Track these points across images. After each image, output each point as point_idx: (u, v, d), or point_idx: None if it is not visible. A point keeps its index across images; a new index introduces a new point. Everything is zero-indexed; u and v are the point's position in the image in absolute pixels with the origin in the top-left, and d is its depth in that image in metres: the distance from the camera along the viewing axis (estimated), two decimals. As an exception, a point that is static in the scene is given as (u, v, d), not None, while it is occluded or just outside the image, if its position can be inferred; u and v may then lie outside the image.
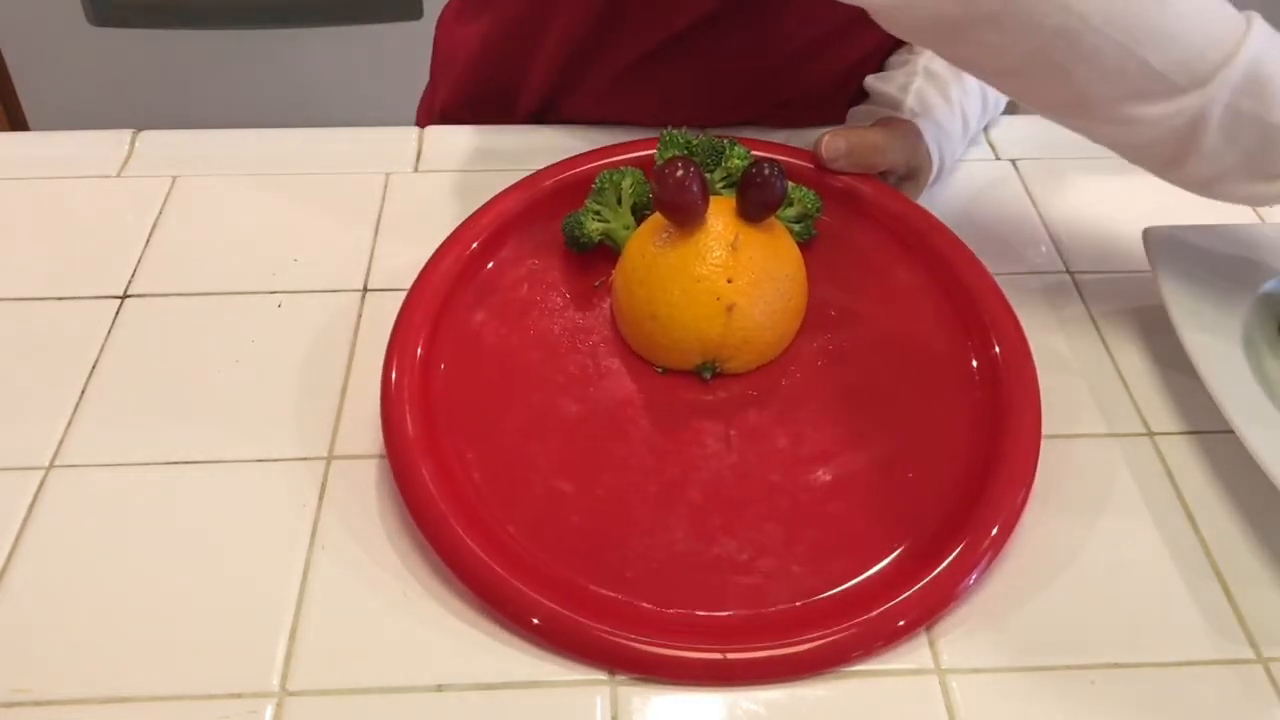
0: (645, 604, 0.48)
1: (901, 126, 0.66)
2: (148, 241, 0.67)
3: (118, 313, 0.62)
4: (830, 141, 0.65)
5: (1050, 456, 0.53)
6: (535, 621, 0.47)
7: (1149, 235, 0.61)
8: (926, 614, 0.48)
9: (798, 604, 0.48)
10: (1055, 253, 0.68)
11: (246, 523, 0.52)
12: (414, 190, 0.71)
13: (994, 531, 0.49)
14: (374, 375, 0.58)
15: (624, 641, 0.46)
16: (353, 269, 0.65)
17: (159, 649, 0.47)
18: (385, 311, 0.62)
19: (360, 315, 0.62)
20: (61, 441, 0.55)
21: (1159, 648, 0.48)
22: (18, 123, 1.66)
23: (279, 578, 0.50)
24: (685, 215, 0.56)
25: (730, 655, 0.46)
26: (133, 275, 0.65)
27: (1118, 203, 0.72)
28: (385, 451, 0.52)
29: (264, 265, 0.65)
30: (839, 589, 0.49)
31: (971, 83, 0.70)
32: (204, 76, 1.61)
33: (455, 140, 0.75)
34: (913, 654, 0.47)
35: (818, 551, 0.50)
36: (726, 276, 0.55)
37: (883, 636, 0.47)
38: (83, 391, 0.58)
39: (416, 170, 0.73)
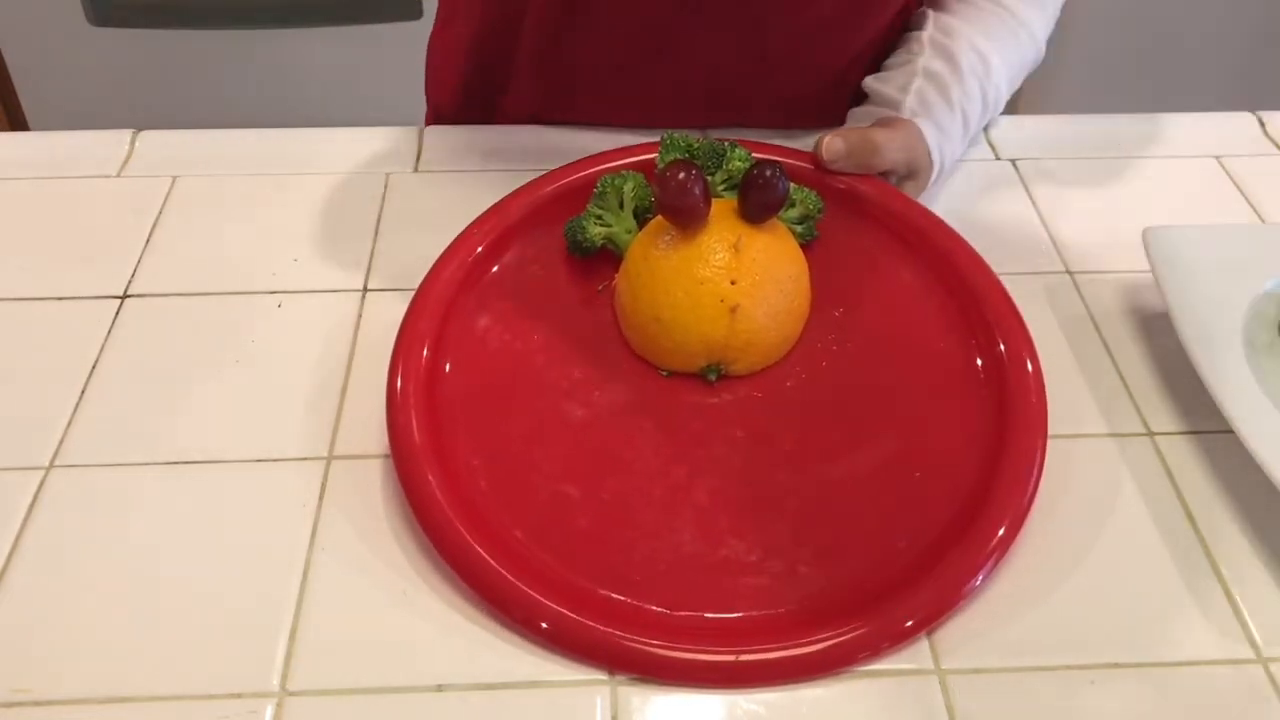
0: (653, 607, 0.48)
1: (901, 127, 0.66)
2: (148, 241, 0.67)
3: (118, 313, 0.62)
4: (830, 142, 0.65)
5: (1051, 456, 0.53)
6: (544, 626, 0.47)
7: (1149, 235, 0.61)
8: (934, 614, 0.48)
9: (806, 605, 0.48)
10: (1055, 253, 0.68)
11: (246, 523, 0.52)
12: (414, 190, 0.71)
13: (1000, 533, 0.49)
14: (374, 375, 0.58)
15: (632, 645, 0.46)
16: (353, 269, 0.65)
17: (159, 649, 0.47)
18: (385, 311, 0.62)
19: (360, 315, 0.62)
20: (61, 441, 0.55)
21: (1159, 648, 0.48)
22: (18, 123, 1.66)
23: (279, 578, 0.50)
24: (687, 218, 0.56)
25: (743, 657, 0.46)
26: (133, 275, 0.65)
27: (1118, 203, 0.72)
28: (391, 455, 0.52)
29: (264, 265, 0.65)
30: (847, 590, 0.49)
31: (972, 84, 0.70)
32: (204, 76, 1.61)
33: (455, 140, 0.75)
34: (913, 654, 0.47)
35: (825, 552, 0.50)
36: (730, 278, 0.55)
37: (890, 637, 0.47)
38: (83, 391, 0.58)
39: (416, 170, 0.73)
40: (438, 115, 0.85)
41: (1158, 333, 0.62)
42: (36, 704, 0.45)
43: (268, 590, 0.49)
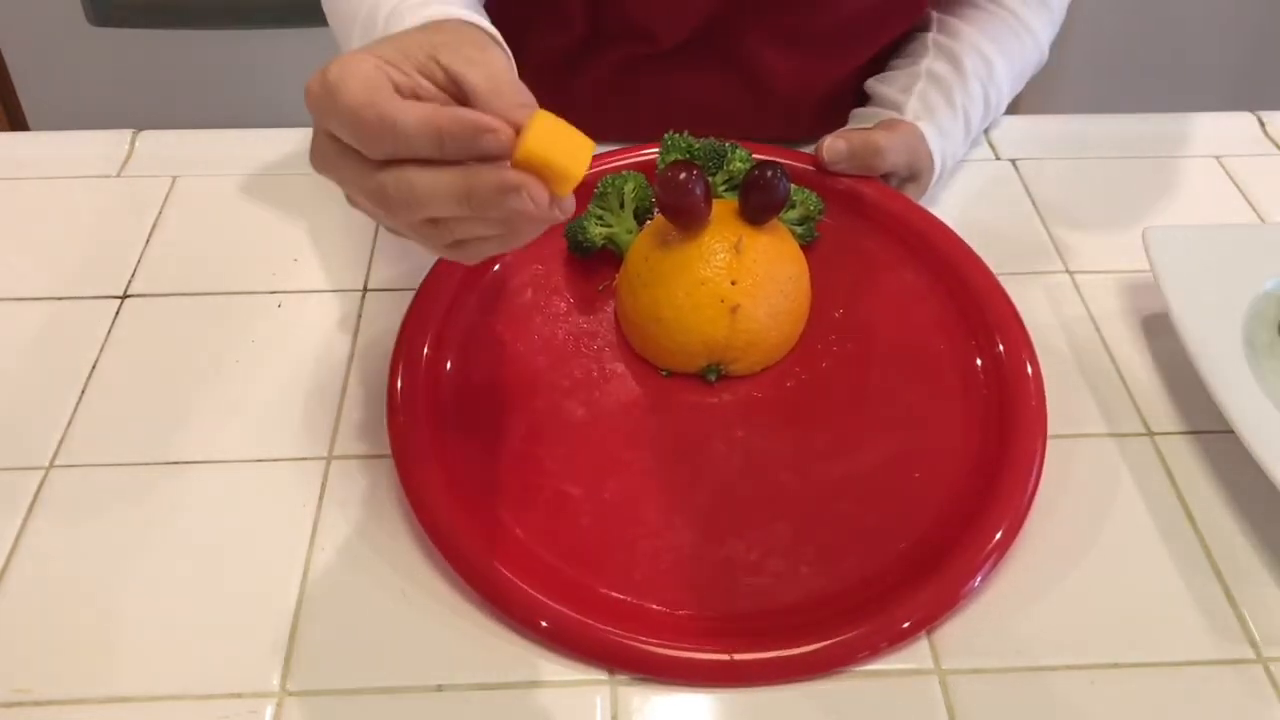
0: (654, 606, 0.48)
1: (903, 128, 0.66)
2: (148, 241, 0.67)
3: (118, 313, 0.62)
4: (832, 144, 0.65)
5: (1051, 456, 0.53)
6: (543, 624, 0.47)
7: (1149, 235, 0.61)
8: (934, 615, 0.48)
9: (806, 605, 0.48)
10: (1055, 253, 0.68)
11: (246, 523, 0.52)
12: (414, 190, 0.71)
13: (999, 534, 0.50)
14: (374, 376, 0.58)
15: (633, 644, 0.46)
16: (353, 269, 0.65)
17: (159, 649, 0.47)
18: (385, 311, 0.62)
19: (360, 315, 0.62)
20: (61, 441, 0.55)
21: (1159, 648, 0.48)
22: (18, 123, 1.66)
23: (279, 578, 0.50)
24: (688, 218, 0.55)
25: (743, 657, 0.46)
26: (133, 275, 0.65)
27: (1118, 203, 0.72)
28: (391, 455, 0.52)
29: (264, 265, 0.65)
30: (847, 589, 0.49)
31: (975, 86, 0.70)
32: (204, 76, 1.60)
33: (455, 140, 0.75)
34: (913, 654, 0.47)
35: (825, 552, 0.50)
36: (730, 279, 0.55)
37: (889, 638, 0.47)
38: (83, 391, 0.58)
39: (416, 170, 0.73)
40: None
41: (1158, 333, 0.62)
42: (36, 704, 0.45)
43: (268, 590, 0.49)
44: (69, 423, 0.56)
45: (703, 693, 0.46)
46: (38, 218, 0.69)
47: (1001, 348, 0.57)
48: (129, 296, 0.63)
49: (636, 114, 0.71)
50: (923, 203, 0.67)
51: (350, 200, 0.45)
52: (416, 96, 0.42)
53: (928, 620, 0.48)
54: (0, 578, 0.49)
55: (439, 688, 0.46)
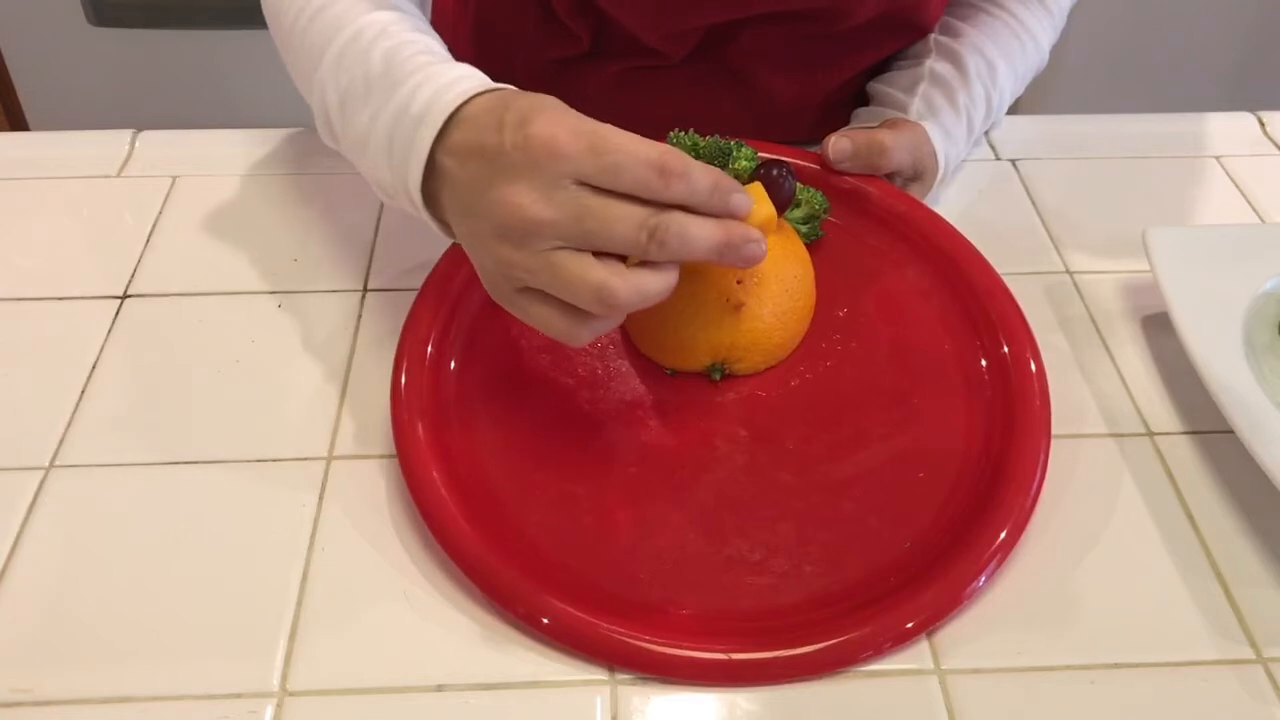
0: (657, 605, 0.48)
1: (908, 128, 0.66)
2: (148, 241, 0.67)
3: (118, 313, 0.62)
4: (836, 142, 0.65)
5: (1052, 456, 0.53)
6: (545, 621, 0.47)
7: (1149, 235, 0.61)
8: (937, 616, 0.48)
9: (809, 604, 0.48)
10: (1055, 253, 0.68)
11: (246, 523, 0.52)
12: (414, 190, 0.71)
13: (1003, 536, 0.49)
14: (374, 375, 0.58)
15: (636, 643, 0.46)
16: (353, 269, 0.65)
17: (159, 649, 0.47)
18: (385, 311, 0.62)
19: (360, 315, 0.62)
20: (61, 441, 0.55)
21: (1159, 648, 0.48)
22: (18, 123, 1.66)
23: (279, 578, 0.50)
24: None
25: (745, 656, 0.46)
26: (133, 275, 0.65)
27: (1118, 203, 0.72)
28: (394, 453, 0.52)
29: (264, 265, 0.65)
30: (850, 589, 0.49)
31: (977, 88, 0.70)
32: (204, 76, 1.61)
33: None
34: (913, 654, 0.47)
35: (829, 551, 0.50)
36: (735, 277, 0.55)
37: (892, 638, 0.47)
38: (83, 391, 0.58)
39: (416, 170, 0.73)
40: None
41: (1158, 333, 0.62)
42: (36, 704, 0.45)
43: (267, 590, 0.49)
44: (69, 423, 0.56)
45: (704, 692, 0.46)
46: (38, 218, 0.69)
47: (1006, 348, 0.57)
48: (129, 296, 0.63)
49: (638, 118, 0.71)
50: (924, 201, 0.67)
51: (507, 286, 0.48)
52: None
53: (931, 620, 0.47)
54: (0, 578, 0.49)
55: (439, 688, 0.46)
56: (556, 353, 0.58)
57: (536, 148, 0.44)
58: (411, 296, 0.58)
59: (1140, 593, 0.50)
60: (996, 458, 0.53)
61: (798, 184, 0.59)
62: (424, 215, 0.51)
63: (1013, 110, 0.76)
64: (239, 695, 0.45)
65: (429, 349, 0.56)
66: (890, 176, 0.67)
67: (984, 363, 0.58)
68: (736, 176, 0.61)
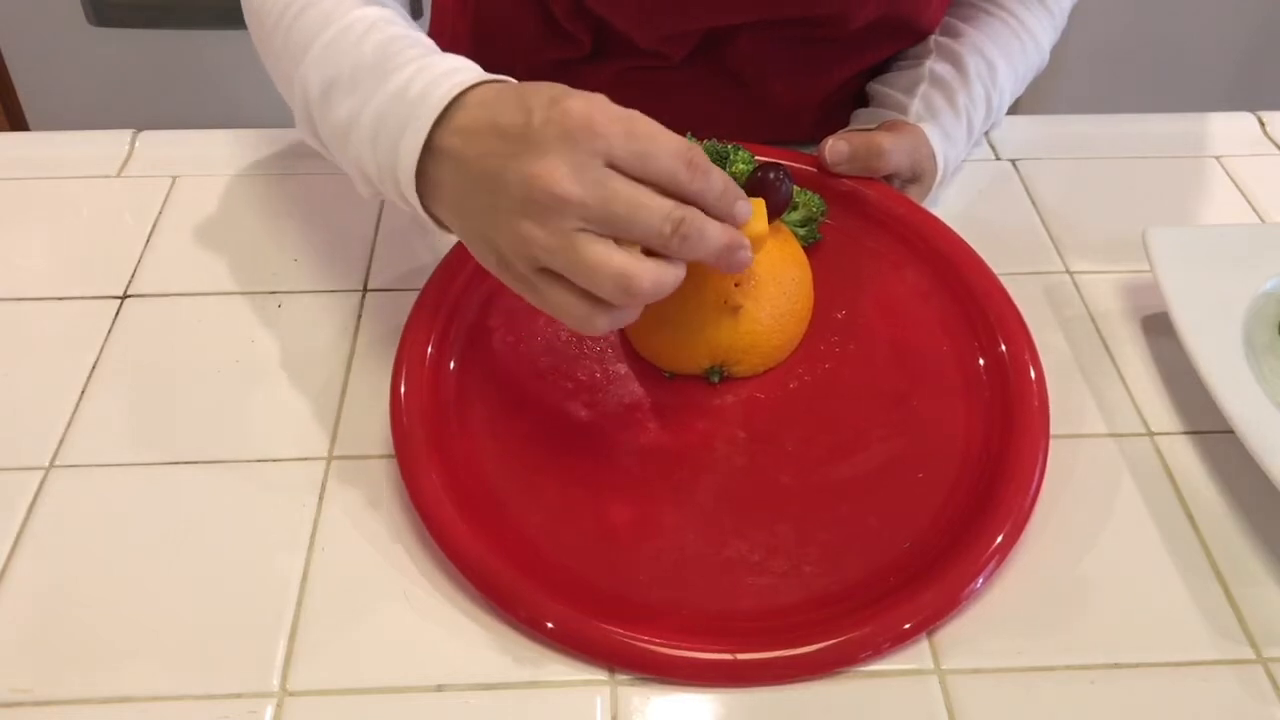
0: (657, 606, 0.48)
1: (906, 130, 0.66)
2: (148, 241, 0.67)
3: (118, 313, 0.62)
4: (834, 145, 0.65)
5: (1051, 456, 0.53)
6: (550, 626, 0.47)
7: (1149, 235, 0.61)
8: (936, 616, 0.48)
9: (808, 605, 0.48)
10: (1055, 253, 0.68)
11: (246, 523, 0.52)
12: (414, 190, 0.71)
13: (1002, 536, 0.49)
14: (374, 375, 0.58)
15: (636, 644, 0.46)
16: (353, 269, 0.65)
17: (159, 649, 0.47)
18: (385, 311, 0.62)
19: (360, 315, 0.62)
20: (61, 441, 0.55)
21: (1159, 648, 0.48)
22: (18, 123, 1.66)
23: (279, 578, 0.50)
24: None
25: (745, 656, 0.46)
26: (133, 275, 0.65)
27: (1118, 203, 0.72)
28: (393, 455, 0.52)
29: (264, 265, 0.65)
30: (849, 590, 0.49)
31: (978, 89, 0.70)
32: (204, 76, 1.61)
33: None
34: (913, 654, 0.47)
35: (828, 552, 0.50)
36: (732, 280, 0.55)
37: (891, 638, 0.47)
38: (83, 391, 0.58)
39: (416, 170, 0.73)
40: None
41: (1158, 333, 0.62)
42: (36, 704, 0.45)
43: (268, 590, 0.49)
44: (69, 423, 0.56)
45: (703, 692, 0.46)
46: (38, 218, 0.69)
47: (1004, 348, 0.57)
48: (129, 296, 0.63)
49: None
50: (923, 203, 0.67)
51: (511, 257, 0.47)
52: None
53: (930, 621, 0.48)
54: (0, 578, 0.49)
55: (439, 688, 0.46)
56: (556, 355, 0.58)
57: (573, 123, 0.44)
58: (412, 296, 0.59)
59: (1140, 593, 0.50)
60: (995, 458, 0.53)
61: (795, 187, 0.59)
62: (411, 198, 0.50)
63: (1013, 110, 0.76)
64: (239, 695, 0.45)
65: (429, 350, 0.56)
66: (889, 179, 0.67)
67: (982, 363, 0.58)
68: (734, 179, 0.61)
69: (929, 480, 0.53)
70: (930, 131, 0.67)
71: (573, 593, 0.48)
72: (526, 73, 0.49)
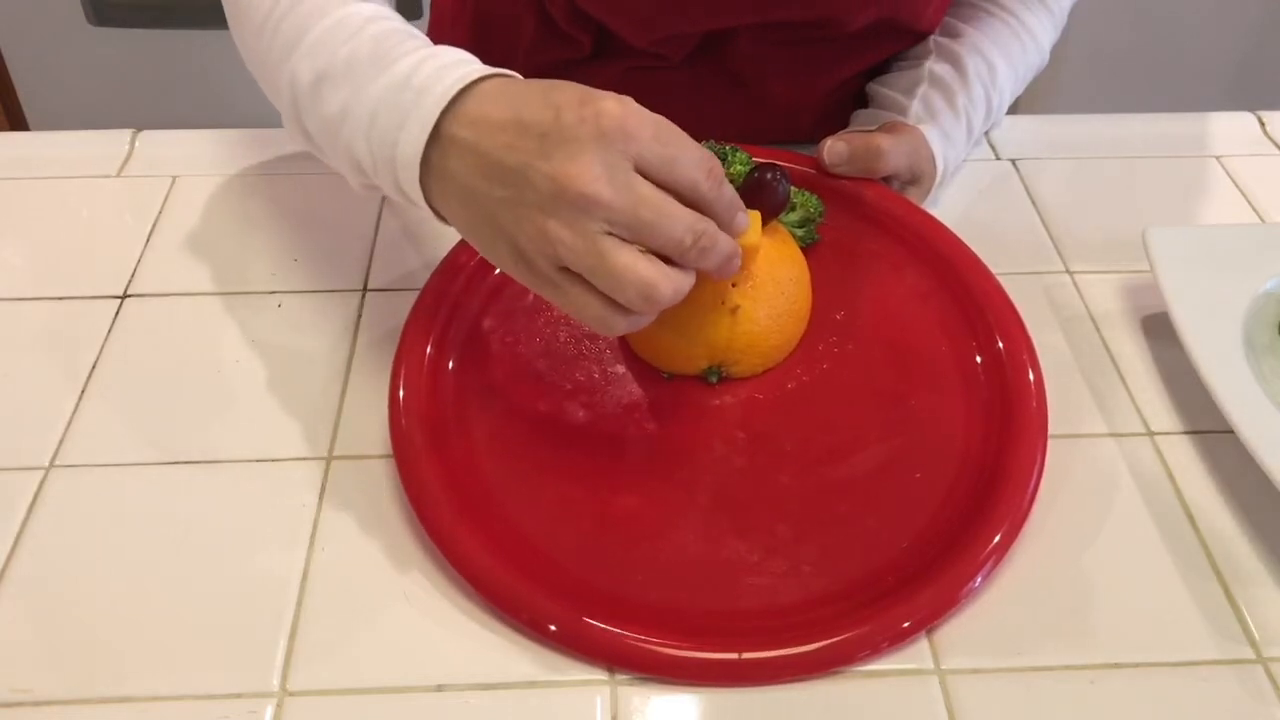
0: (656, 606, 0.48)
1: (905, 131, 0.66)
2: (148, 241, 0.67)
3: (118, 313, 0.62)
4: (833, 146, 0.65)
5: (1051, 456, 0.53)
6: (552, 628, 0.47)
7: (1149, 235, 0.61)
8: (934, 615, 0.48)
9: (807, 605, 0.48)
10: (1055, 253, 0.68)
11: (246, 523, 0.52)
12: (414, 190, 0.71)
13: (1000, 535, 0.50)
14: (374, 375, 0.58)
15: (636, 644, 0.46)
16: (353, 269, 0.65)
17: (159, 649, 0.47)
18: (385, 311, 0.62)
19: (360, 315, 0.62)
20: (61, 441, 0.55)
21: (1159, 648, 0.48)
22: (18, 123, 1.66)
23: (279, 578, 0.50)
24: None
25: (744, 656, 0.46)
26: (133, 275, 0.65)
27: (1118, 203, 0.72)
28: (392, 455, 0.52)
29: (263, 265, 0.65)
30: (847, 589, 0.49)
31: (977, 90, 0.70)
32: (204, 76, 1.61)
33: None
34: (913, 654, 0.47)
35: (826, 552, 0.50)
36: (731, 280, 0.55)
37: (890, 637, 0.47)
38: (83, 391, 0.58)
39: (416, 170, 0.73)
40: None
41: (1158, 333, 0.62)
42: (36, 704, 0.45)
43: (268, 590, 0.49)
44: (69, 423, 0.56)
45: (703, 692, 0.46)
46: (38, 218, 0.69)
47: (1002, 347, 0.57)
48: (129, 296, 0.63)
49: None
50: (922, 204, 0.67)
51: (536, 253, 0.46)
52: None
53: (928, 620, 0.48)
54: (0, 578, 0.49)
55: (439, 688, 0.46)
56: (555, 357, 0.58)
57: (608, 123, 0.44)
58: (411, 296, 0.59)
59: (1140, 592, 0.50)
60: (993, 458, 0.53)
61: (793, 187, 0.59)
62: (410, 187, 0.48)
63: (1013, 110, 0.76)
64: (239, 695, 0.45)
65: (428, 350, 0.56)
66: (888, 180, 0.67)
67: (980, 363, 0.58)
68: (731, 180, 0.61)
69: (927, 480, 0.53)
70: (930, 133, 0.67)
71: (571, 593, 0.48)
72: (526, 73, 0.49)
